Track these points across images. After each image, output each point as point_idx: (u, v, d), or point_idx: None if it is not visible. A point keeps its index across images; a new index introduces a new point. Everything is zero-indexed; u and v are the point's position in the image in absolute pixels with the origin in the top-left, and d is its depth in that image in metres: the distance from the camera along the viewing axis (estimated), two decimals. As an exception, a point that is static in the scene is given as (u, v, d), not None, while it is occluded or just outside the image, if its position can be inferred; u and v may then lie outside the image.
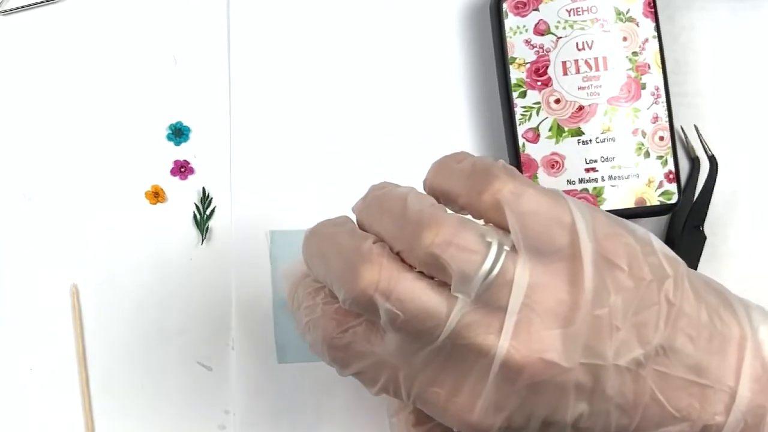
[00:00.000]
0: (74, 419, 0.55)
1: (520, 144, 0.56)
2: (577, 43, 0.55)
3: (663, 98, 0.56)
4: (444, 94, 0.59)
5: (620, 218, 0.38)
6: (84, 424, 0.55)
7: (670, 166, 0.55)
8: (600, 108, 0.55)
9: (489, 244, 0.34)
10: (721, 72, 0.59)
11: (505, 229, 0.35)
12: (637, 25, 0.55)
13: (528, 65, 0.56)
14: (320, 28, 0.59)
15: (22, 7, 0.57)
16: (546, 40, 0.56)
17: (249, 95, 0.58)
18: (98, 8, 0.58)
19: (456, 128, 0.59)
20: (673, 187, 0.55)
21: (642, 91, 0.55)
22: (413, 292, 0.35)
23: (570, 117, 0.55)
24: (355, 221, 0.39)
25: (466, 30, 0.59)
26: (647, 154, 0.55)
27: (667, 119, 0.56)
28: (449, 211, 0.36)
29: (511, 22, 0.56)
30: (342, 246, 0.37)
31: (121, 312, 0.56)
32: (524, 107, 0.56)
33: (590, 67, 0.55)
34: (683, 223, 0.57)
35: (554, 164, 0.55)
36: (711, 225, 0.58)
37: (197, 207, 0.57)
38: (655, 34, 0.56)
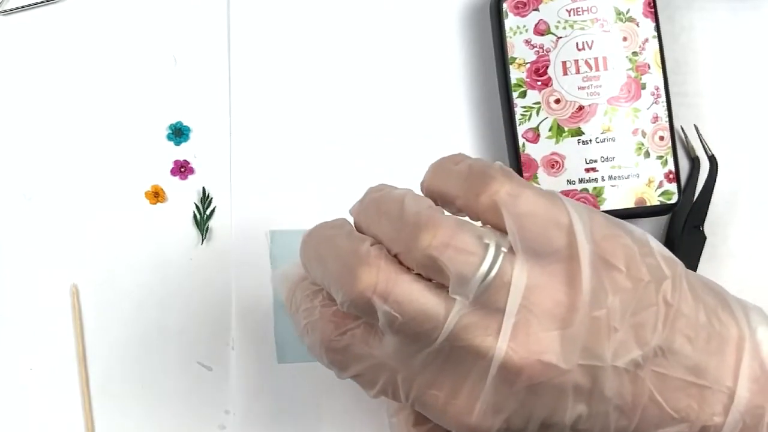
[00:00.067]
0: (74, 419, 0.55)
1: (520, 144, 0.56)
2: (577, 43, 0.55)
3: (663, 98, 0.55)
4: (444, 94, 0.59)
5: (618, 219, 0.38)
6: (84, 424, 0.55)
7: (670, 166, 0.55)
8: (600, 108, 0.55)
9: (486, 246, 0.34)
10: (721, 72, 0.59)
11: (502, 231, 0.35)
12: (637, 25, 0.55)
13: (528, 65, 0.56)
14: (320, 28, 0.59)
15: (22, 7, 0.57)
16: (546, 40, 0.55)
17: (249, 95, 0.58)
18: (98, 8, 0.58)
19: (456, 128, 0.59)
20: (673, 187, 0.55)
21: (642, 91, 0.55)
22: (411, 294, 0.35)
23: (570, 117, 0.55)
24: (352, 224, 0.39)
25: (466, 30, 0.59)
26: (647, 154, 0.55)
27: (667, 119, 0.55)
28: (447, 213, 0.36)
29: (511, 22, 0.56)
30: (340, 248, 0.37)
31: (121, 312, 0.56)
32: (524, 107, 0.56)
33: (590, 67, 0.55)
34: (683, 223, 0.57)
35: (554, 164, 0.55)
36: (711, 225, 0.58)
37: (197, 207, 0.57)
38: (655, 34, 0.56)
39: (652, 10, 0.55)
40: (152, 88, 0.58)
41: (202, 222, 0.57)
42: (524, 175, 0.55)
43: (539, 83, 0.55)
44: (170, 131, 0.57)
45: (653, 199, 0.55)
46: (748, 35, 0.60)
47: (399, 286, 0.35)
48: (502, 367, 0.35)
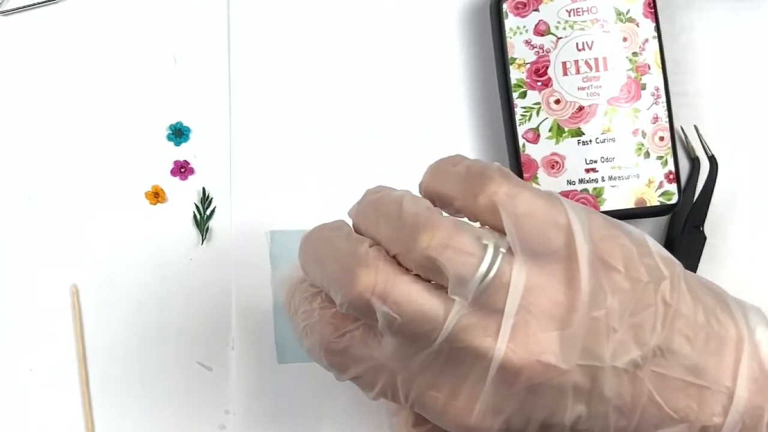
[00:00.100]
0: (74, 419, 0.55)
1: (520, 144, 0.56)
2: (577, 44, 0.55)
3: (663, 98, 0.55)
4: (444, 94, 0.59)
5: (616, 220, 0.38)
6: (84, 424, 0.55)
7: (670, 166, 0.55)
8: (600, 108, 0.55)
9: (485, 247, 0.34)
10: (721, 72, 0.59)
11: (501, 232, 0.35)
12: (637, 25, 0.55)
13: (528, 65, 0.56)
14: (320, 28, 0.59)
15: (22, 7, 0.57)
16: (546, 41, 0.55)
17: (249, 95, 0.58)
18: (98, 8, 0.58)
19: (456, 128, 0.58)
20: (673, 187, 0.55)
21: (642, 91, 0.55)
22: (410, 295, 0.35)
23: (570, 117, 0.55)
24: (351, 225, 0.39)
25: (466, 30, 0.59)
26: (647, 155, 0.55)
27: (667, 119, 0.55)
28: (445, 214, 0.36)
29: (511, 22, 0.56)
30: (338, 250, 0.37)
31: (121, 312, 0.56)
32: (524, 107, 0.56)
33: (590, 68, 0.55)
34: (683, 224, 0.57)
35: (554, 164, 0.55)
36: (711, 225, 0.57)
37: (197, 207, 0.57)
38: (655, 34, 0.56)
39: (652, 10, 0.55)
40: (152, 88, 0.58)
41: (202, 222, 0.57)
42: (524, 175, 0.55)
43: (539, 84, 0.55)
44: (170, 131, 0.57)
45: (653, 200, 0.55)
46: (748, 35, 0.60)
47: (398, 287, 0.35)
48: (502, 368, 0.35)
